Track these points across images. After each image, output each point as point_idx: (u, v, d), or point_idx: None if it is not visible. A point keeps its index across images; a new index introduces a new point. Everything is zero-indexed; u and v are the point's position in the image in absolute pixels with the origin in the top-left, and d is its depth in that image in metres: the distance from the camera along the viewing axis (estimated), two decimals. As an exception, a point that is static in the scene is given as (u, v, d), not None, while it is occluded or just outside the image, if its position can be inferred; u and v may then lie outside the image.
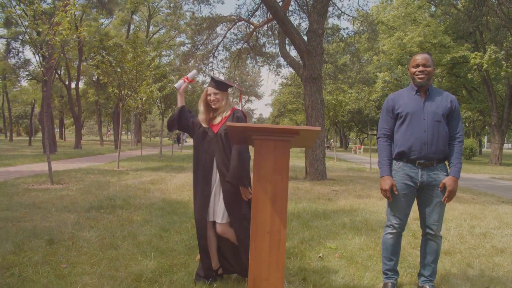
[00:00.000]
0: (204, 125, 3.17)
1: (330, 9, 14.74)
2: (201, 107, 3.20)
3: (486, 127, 31.00)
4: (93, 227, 4.92)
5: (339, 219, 5.71)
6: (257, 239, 2.51)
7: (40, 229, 4.70)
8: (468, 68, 23.02)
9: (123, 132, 62.42)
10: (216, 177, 3.08)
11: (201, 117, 3.20)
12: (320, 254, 3.92)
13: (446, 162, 3.04)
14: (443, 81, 27.20)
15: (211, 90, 3.12)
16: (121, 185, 8.89)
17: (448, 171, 2.99)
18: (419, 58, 3.03)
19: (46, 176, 9.99)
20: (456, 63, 23.76)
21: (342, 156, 30.98)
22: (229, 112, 3.17)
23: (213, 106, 3.14)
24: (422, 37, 22.27)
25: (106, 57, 12.90)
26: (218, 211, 3.02)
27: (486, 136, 60.37)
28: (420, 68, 2.98)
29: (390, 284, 3.07)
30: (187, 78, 3.39)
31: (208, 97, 3.15)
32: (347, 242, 4.44)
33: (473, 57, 18.65)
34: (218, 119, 3.14)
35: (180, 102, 3.40)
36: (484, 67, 18.83)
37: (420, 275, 3.14)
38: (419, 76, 2.98)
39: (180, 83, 3.36)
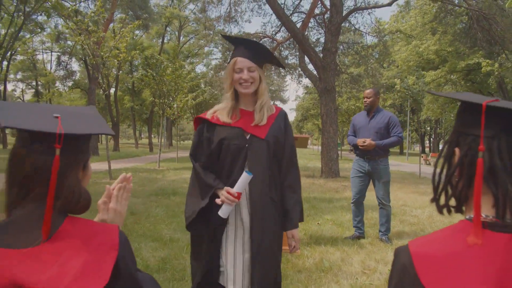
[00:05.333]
0: (225, 121, 1.94)
1: (346, 25, 16.36)
2: (229, 93, 1.97)
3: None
4: (158, 206, 6.81)
5: (340, 203, 7.41)
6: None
7: (121, 206, 6.62)
8: (485, 74, 24.03)
9: (153, 136, 65.42)
10: (243, 208, 1.94)
11: (223, 110, 1.98)
12: (319, 222, 5.66)
13: (389, 157, 4.84)
14: (463, 86, 28.18)
15: (243, 62, 1.90)
16: (167, 180, 10.85)
17: (388, 163, 4.77)
18: (365, 93, 4.90)
19: (102, 173, 12.13)
20: (471, 69, 24.81)
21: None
22: (273, 110, 2.04)
23: (242, 91, 1.93)
24: (437, 45, 23.46)
25: (149, 72, 14.97)
26: (233, 272, 1.90)
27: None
28: (365, 99, 4.83)
29: (357, 233, 4.82)
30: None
31: (237, 75, 1.91)
32: (340, 217, 6.15)
33: (485, 65, 19.81)
34: (259, 117, 1.94)
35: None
36: (496, 74, 19.97)
37: (379, 231, 4.84)
38: (364, 104, 4.84)
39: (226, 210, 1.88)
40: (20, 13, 20.96)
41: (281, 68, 20.28)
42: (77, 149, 1.07)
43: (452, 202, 1.00)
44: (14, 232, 0.98)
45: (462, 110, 0.99)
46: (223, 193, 1.84)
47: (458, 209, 1.01)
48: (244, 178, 1.81)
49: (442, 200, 1.02)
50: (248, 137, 1.95)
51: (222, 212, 1.86)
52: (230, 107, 1.98)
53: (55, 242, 0.96)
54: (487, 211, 0.91)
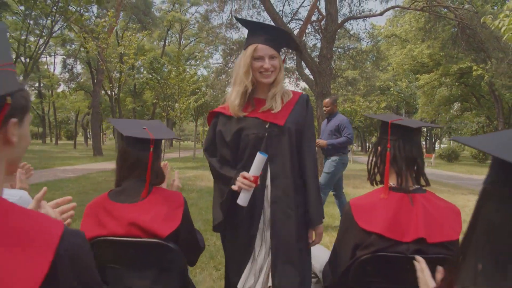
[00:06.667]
0: (239, 113, 1.86)
1: (342, 31, 17.10)
2: (244, 81, 1.82)
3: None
4: (168, 200, 7.52)
5: (332, 199, 8.12)
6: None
7: (135, 201, 7.35)
8: (476, 77, 24.81)
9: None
10: (266, 206, 1.84)
11: (237, 100, 1.85)
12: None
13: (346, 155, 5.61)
14: (457, 88, 28.98)
15: (265, 49, 1.79)
16: (172, 178, 11.54)
17: (336, 160, 5.46)
18: (323, 102, 5.75)
19: (110, 173, 12.81)
20: (463, 72, 25.62)
21: (360, 159, 32.96)
22: (290, 95, 1.93)
23: (263, 80, 1.82)
24: (431, 49, 24.24)
25: (154, 75, 15.70)
26: (256, 270, 1.80)
27: None
28: (324, 108, 5.68)
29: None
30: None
31: (257, 63, 1.80)
32: (332, 209, 6.89)
33: (475, 69, 20.60)
34: (273, 104, 1.85)
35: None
36: (485, 78, 20.74)
37: None
38: (324, 112, 5.68)
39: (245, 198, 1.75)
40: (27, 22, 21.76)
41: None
42: (159, 147, 1.81)
43: (378, 178, 1.75)
44: (125, 195, 1.71)
45: (381, 124, 1.74)
46: (239, 179, 1.72)
47: (381, 182, 1.75)
48: (259, 159, 1.68)
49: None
50: (267, 126, 1.84)
51: (241, 200, 1.73)
52: (244, 97, 1.86)
53: (150, 200, 1.69)
54: (393, 181, 1.66)
